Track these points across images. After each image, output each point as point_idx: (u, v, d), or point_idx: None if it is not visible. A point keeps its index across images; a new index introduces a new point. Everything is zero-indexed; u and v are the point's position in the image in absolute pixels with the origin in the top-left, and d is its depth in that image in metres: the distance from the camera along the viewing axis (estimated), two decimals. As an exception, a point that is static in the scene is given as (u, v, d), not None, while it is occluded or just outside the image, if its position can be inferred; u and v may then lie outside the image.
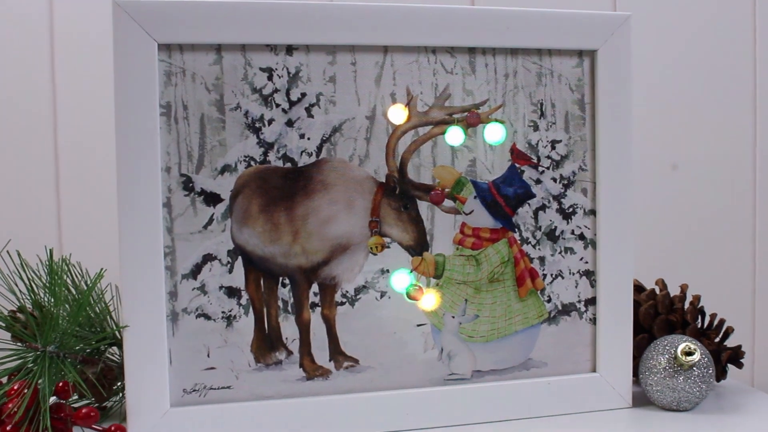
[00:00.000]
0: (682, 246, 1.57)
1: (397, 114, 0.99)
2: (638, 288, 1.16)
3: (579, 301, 1.05)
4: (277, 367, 0.98)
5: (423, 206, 1.00)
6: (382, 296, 1.00)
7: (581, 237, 1.05)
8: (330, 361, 0.99)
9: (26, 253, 0.96)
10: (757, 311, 1.59)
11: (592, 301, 1.06)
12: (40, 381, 0.90)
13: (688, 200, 1.56)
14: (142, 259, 0.93)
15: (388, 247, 1.00)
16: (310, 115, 0.97)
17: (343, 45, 0.97)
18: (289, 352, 0.98)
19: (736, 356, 1.14)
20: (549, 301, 1.05)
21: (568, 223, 1.05)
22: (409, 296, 1.00)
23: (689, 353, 1.01)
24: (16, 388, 0.89)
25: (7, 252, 0.95)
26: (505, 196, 1.02)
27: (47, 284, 0.95)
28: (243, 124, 0.96)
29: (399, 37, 0.98)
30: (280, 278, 0.98)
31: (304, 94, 0.97)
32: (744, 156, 1.58)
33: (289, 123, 0.97)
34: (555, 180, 1.04)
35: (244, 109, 0.96)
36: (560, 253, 1.05)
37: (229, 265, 0.97)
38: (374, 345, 1.00)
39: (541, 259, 1.04)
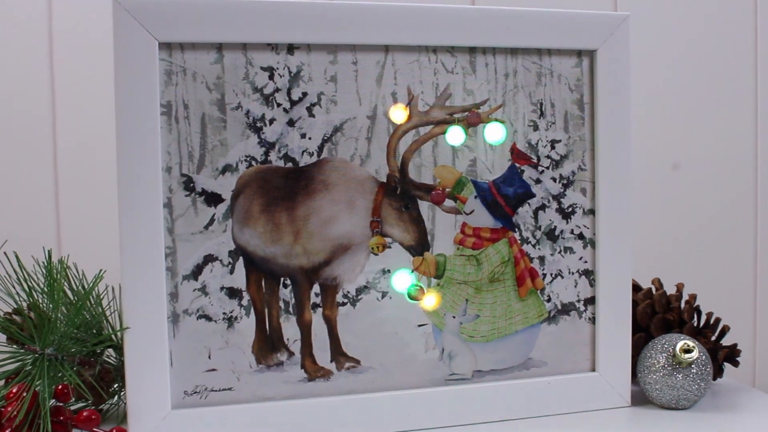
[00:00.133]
0: (684, 246, 1.57)
1: (398, 114, 0.98)
2: (635, 287, 1.17)
3: (578, 301, 1.06)
4: (278, 368, 0.97)
5: (424, 206, 1.00)
6: (383, 296, 1.00)
7: (580, 236, 1.05)
8: (331, 361, 0.99)
9: (25, 254, 0.95)
10: (759, 311, 1.60)
11: (591, 301, 1.06)
12: (38, 384, 0.89)
13: (689, 200, 1.57)
14: (142, 260, 0.92)
15: (389, 247, 1.00)
16: (312, 115, 0.97)
17: (344, 44, 0.97)
18: (291, 353, 0.98)
19: (732, 354, 1.15)
20: (549, 300, 1.05)
21: (567, 222, 1.05)
22: (410, 296, 1.00)
23: (688, 351, 1.02)
24: (15, 391, 0.88)
25: (5, 253, 0.93)
26: (505, 196, 1.02)
27: (45, 286, 0.94)
28: (244, 124, 0.95)
29: (400, 37, 0.97)
30: (282, 279, 0.97)
31: (305, 94, 0.96)
32: (745, 155, 1.58)
33: (291, 123, 0.96)
34: (554, 180, 1.04)
35: (245, 109, 0.95)
36: (560, 252, 1.05)
37: (230, 266, 0.96)
38: (375, 345, 1.00)
39: (541, 259, 1.04)
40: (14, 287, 0.95)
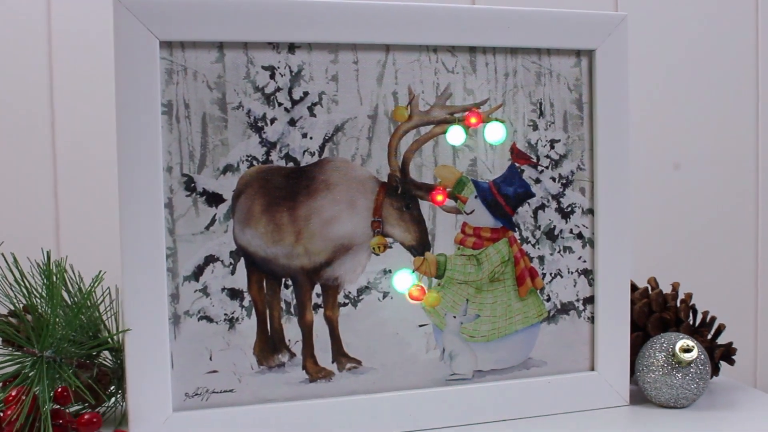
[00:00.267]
0: (684, 246, 1.57)
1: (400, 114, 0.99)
2: (631, 287, 1.17)
3: (577, 300, 1.06)
4: (279, 369, 0.97)
5: (424, 206, 1.00)
6: (384, 297, 0.99)
7: (579, 236, 1.06)
8: (333, 362, 0.98)
9: (24, 255, 0.93)
10: (759, 312, 1.60)
11: (590, 300, 1.06)
12: (37, 387, 0.88)
13: (690, 200, 1.57)
14: (143, 260, 0.91)
15: (391, 247, 0.99)
16: (313, 114, 0.96)
17: (345, 43, 0.96)
18: (292, 355, 0.97)
19: (728, 353, 1.15)
20: (548, 300, 1.05)
21: (566, 222, 1.05)
22: (411, 296, 0.99)
23: (687, 350, 1.02)
24: (14, 394, 0.87)
25: (2, 254, 0.92)
26: (505, 196, 1.02)
27: (44, 288, 0.93)
28: (245, 123, 0.94)
29: (401, 36, 0.97)
30: (283, 279, 0.97)
31: (306, 93, 0.96)
32: (746, 155, 1.58)
33: (292, 122, 0.95)
34: (554, 179, 1.04)
35: (246, 108, 0.94)
36: (559, 252, 1.05)
37: (231, 267, 0.95)
38: (377, 346, 0.99)
39: (541, 259, 1.05)
40: (11, 289, 0.93)
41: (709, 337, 1.15)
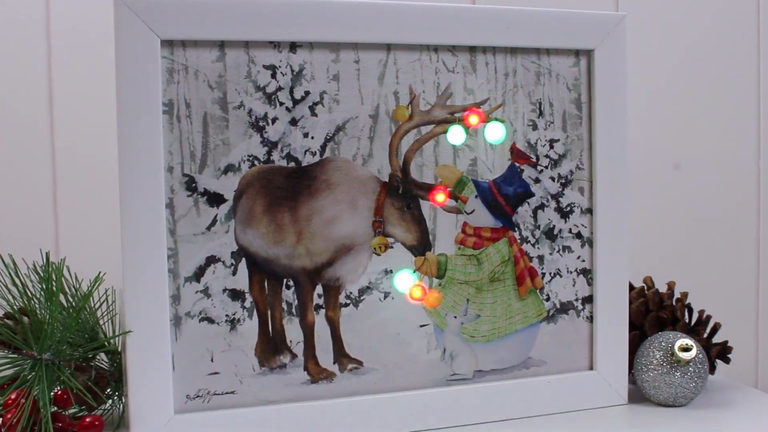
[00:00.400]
0: (685, 246, 1.57)
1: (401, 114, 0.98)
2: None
3: (576, 300, 1.06)
4: (281, 370, 0.96)
5: (425, 206, 1.00)
6: (385, 297, 0.99)
7: (578, 235, 1.06)
8: (334, 363, 0.98)
9: (23, 256, 0.92)
10: (760, 312, 1.61)
11: (588, 299, 1.06)
12: (37, 390, 0.87)
13: (690, 200, 1.57)
14: (144, 261, 0.90)
15: (392, 247, 0.99)
16: (314, 114, 0.95)
17: (346, 42, 0.96)
18: (294, 356, 0.96)
19: (724, 351, 1.16)
20: (548, 299, 1.05)
21: (565, 221, 1.05)
22: (412, 297, 0.99)
23: (686, 349, 1.03)
24: (14, 398, 0.85)
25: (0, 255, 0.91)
26: (505, 195, 1.02)
27: (42, 290, 0.92)
28: (246, 123, 0.93)
29: (402, 35, 0.97)
30: (285, 280, 0.96)
31: (307, 93, 0.95)
32: (747, 155, 1.59)
33: (293, 122, 0.95)
34: (553, 179, 1.04)
35: (247, 108, 0.94)
36: (558, 251, 1.05)
37: (232, 267, 0.94)
38: (378, 346, 0.99)
39: (540, 258, 1.05)
40: (9, 290, 0.92)
41: (705, 335, 1.15)
